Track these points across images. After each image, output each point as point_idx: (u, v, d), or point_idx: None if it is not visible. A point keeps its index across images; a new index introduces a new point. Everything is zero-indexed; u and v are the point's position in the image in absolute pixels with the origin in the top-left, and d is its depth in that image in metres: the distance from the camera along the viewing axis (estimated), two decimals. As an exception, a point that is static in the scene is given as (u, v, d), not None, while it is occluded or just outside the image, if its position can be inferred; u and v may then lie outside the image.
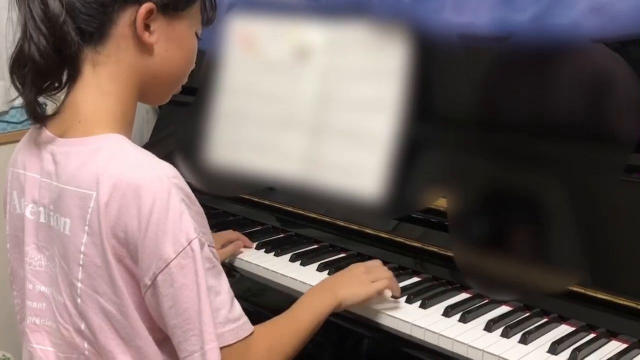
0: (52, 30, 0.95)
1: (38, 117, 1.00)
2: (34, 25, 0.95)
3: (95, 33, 0.97)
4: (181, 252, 0.92)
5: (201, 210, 0.98)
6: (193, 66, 1.09)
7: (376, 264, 1.31)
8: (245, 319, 0.99)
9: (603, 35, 1.24)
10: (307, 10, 1.65)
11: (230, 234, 1.58)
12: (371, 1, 1.54)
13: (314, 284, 1.39)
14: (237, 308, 0.99)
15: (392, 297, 1.29)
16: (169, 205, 0.92)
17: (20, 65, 0.98)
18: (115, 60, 0.99)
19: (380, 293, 1.26)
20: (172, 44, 1.03)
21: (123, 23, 0.98)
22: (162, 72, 1.04)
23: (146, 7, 0.98)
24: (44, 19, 0.95)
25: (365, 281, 1.24)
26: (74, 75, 1.00)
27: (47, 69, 0.97)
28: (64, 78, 1.01)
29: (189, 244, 0.93)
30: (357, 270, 1.26)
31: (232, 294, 0.99)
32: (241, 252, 1.56)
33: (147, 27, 0.99)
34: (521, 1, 1.32)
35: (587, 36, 1.25)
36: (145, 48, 1.00)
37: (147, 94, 1.06)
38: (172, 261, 0.92)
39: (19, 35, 0.99)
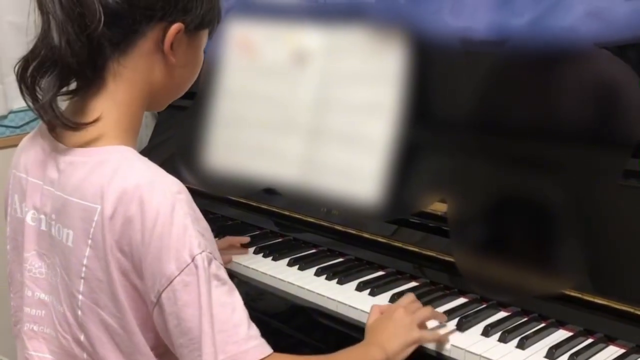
0: (90, 37, 0.93)
1: (63, 119, 0.95)
2: (71, 29, 0.92)
3: (121, 44, 0.96)
4: (184, 268, 0.90)
5: (207, 226, 0.96)
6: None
7: (410, 298, 1.24)
8: (264, 340, 0.96)
9: (600, 39, 1.24)
10: (305, 14, 1.65)
11: (220, 244, 1.56)
12: (369, 5, 1.55)
13: (311, 287, 1.40)
14: (254, 327, 0.96)
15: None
16: (172, 220, 0.90)
17: (40, 64, 0.95)
18: (134, 73, 0.98)
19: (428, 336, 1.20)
20: (188, 62, 1.03)
21: (150, 38, 0.97)
22: (172, 86, 1.04)
23: (177, 26, 0.97)
24: (82, 24, 0.92)
25: (410, 325, 1.15)
26: (95, 83, 0.98)
27: (77, 71, 0.95)
28: (84, 83, 0.99)
29: (192, 260, 0.90)
30: (397, 314, 1.17)
31: (247, 312, 0.95)
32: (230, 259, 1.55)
33: (171, 45, 0.98)
34: (518, 5, 1.32)
35: (583, 40, 1.26)
36: (167, 65, 1.00)
37: (151, 104, 1.05)
38: (175, 278, 0.90)
39: (18, 38, 0.98)
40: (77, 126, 0.96)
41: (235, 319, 0.93)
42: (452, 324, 1.25)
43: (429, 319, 1.21)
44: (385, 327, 1.16)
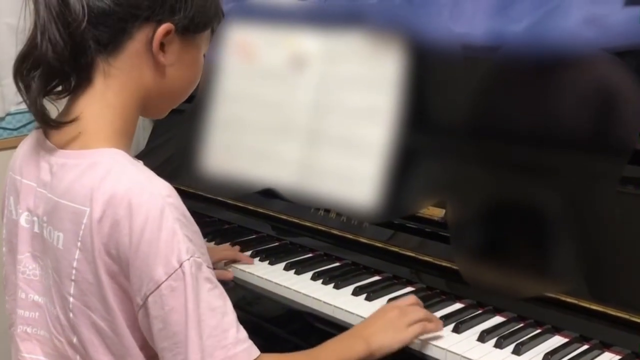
0: (72, 35, 0.93)
1: (45, 118, 0.96)
2: (54, 28, 0.92)
3: (110, 44, 0.96)
4: (172, 274, 0.90)
5: (197, 230, 0.96)
6: (197, 84, 1.09)
7: (410, 300, 1.23)
8: (251, 341, 0.96)
9: (597, 46, 1.24)
10: (304, 18, 1.66)
11: (226, 252, 1.55)
12: (367, 10, 1.55)
13: (307, 292, 1.40)
14: (243, 329, 0.96)
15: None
16: (161, 225, 0.90)
17: (31, 64, 0.95)
18: (125, 74, 0.98)
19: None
20: (183, 65, 1.02)
21: (139, 39, 0.97)
22: (169, 90, 1.04)
23: (165, 27, 0.97)
24: (64, 23, 0.93)
25: (400, 327, 1.15)
26: (83, 84, 0.98)
27: (60, 70, 0.95)
28: (72, 83, 0.99)
29: (180, 265, 0.90)
30: (391, 313, 1.18)
31: (235, 315, 0.96)
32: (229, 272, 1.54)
33: (162, 46, 0.98)
34: (516, 11, 1.33)
35: (582, 46, 1.26)
36: (157, 66, 0.99)
37: (148, 109, 1.05)
38: (162, 283, 0.90)
39: (16, 40, 0.98)
40: (57, 125, 0.96)
41: (225, 324, 0.93)
42: (448, 329, 1.25)
43: (421, 332, 1.19)
44: (375, 321, 1.17)
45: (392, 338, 1.14)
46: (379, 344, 1.12)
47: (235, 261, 1.56)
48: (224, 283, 1.45)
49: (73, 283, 0.96)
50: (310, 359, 1.08)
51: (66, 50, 0.93)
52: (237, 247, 1.60)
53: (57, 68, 0.94)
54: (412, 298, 1.24)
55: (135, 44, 0.97)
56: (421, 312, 1.21)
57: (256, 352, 0.96)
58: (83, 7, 0.93)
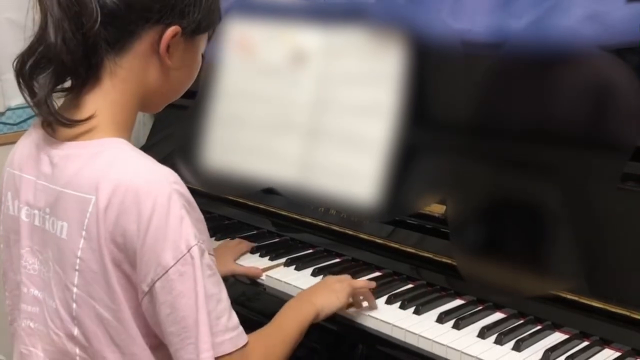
0: (86, 35, 0.94)
1: (58, 116, 0.97)
2: (68, 27, 0.93)
3: (117, 44, 0.97)
4: (180, 259, 0.92)
5: (201, 216, 0.98)
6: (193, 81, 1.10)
7: (348, 277, 1.34)
8: (241, 328, 0.99)
9: (599, 43, 1.24)
10: (304, 14, 1.65)
11: (240, 246, 1.57)
12: (368, 6, 1.55)
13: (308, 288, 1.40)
14: (235, 316, 0.98)
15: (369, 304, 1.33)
16: (169, 211, 0.91)
17: (37, 62, 0.96)
18: (131, 73, 0.99)
19: (358, 303, 1.31)
20: (184, 65, 1.04)
21: (146, 40, 0.98)
22: (169, 89, 1.05)
23: (173, 29, 0.98)
24: (78, 23, 0.93)
25: (338, 290, 1.27)
26: (90, 82, 0.98)
27: (72, 69, 0.96)
28: (80, 81, 0.99)
29: (189, 250, 0.92)
30: (329, 280, 1.31)
31: (229, 301, 0.98)
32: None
33: (167, 47, 0.99)
34: (517, 8, 1.32)
35: (583, 43, 1.26)
36: (162, 67, 1.01)
37: (146, 105, 1.06)
38: (170, 268, 0.91)
39: (17, 35, 0.98)
40: (72, 123, 0.97)
41: (218, 310, 0.95)
42: (448, 325, 1.25)
43: (360, 286, 1.31)
44: (319, 289, 1.27)
45: (333, 302, 1.24)
46: (322, 304, 1.22)
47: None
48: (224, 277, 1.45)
49: (77, 273, 0.96)
50: (278, 329, 1.14)
51: (79, 50, 0.94)
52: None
53: (69, 66, 0.95)
54: (348, 277, 1.34)
55: (142, 45, 0.98)
56: (357, 281, 1.33)
57: (244, 339, 0.98)
58: (96, 8, 0.94)
